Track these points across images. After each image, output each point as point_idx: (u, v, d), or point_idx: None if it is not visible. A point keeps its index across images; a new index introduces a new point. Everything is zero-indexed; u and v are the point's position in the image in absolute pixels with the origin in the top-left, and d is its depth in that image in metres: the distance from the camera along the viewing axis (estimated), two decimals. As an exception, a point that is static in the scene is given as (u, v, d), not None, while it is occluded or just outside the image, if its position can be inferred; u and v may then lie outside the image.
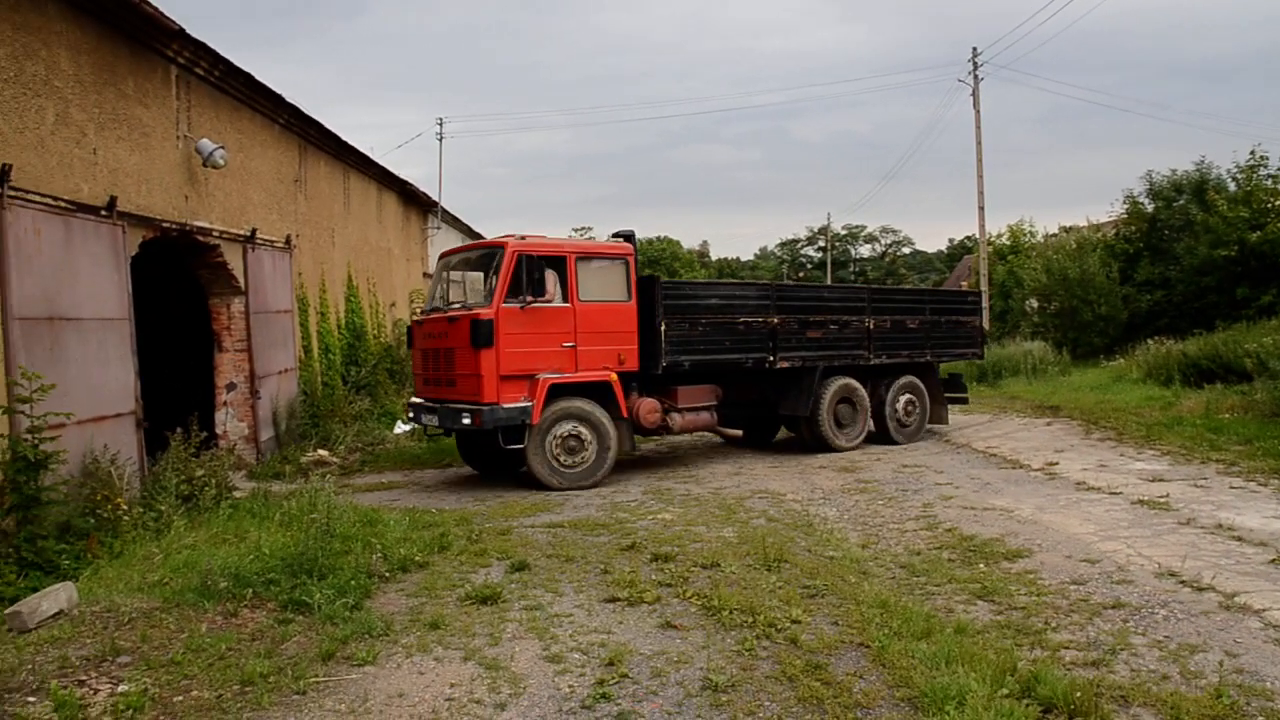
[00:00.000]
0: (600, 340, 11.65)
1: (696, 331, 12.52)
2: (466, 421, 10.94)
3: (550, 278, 11.31)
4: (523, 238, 11.48)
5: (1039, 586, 7.01)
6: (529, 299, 11.03)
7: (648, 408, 12.10)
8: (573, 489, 11.25)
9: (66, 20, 9.16)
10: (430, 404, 11.85)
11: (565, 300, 11.43)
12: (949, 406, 16.37)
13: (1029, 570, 7.47)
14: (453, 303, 11.93)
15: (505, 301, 10.98)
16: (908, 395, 15.09)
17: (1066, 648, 5.69)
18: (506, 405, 10.89)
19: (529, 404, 10.95)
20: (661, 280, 12.31)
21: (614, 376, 11.65)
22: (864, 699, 4.82)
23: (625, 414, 11.75)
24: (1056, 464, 12.55)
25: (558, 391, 11.30)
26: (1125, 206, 29.44)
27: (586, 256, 11.79)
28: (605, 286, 11.83)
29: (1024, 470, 12.28)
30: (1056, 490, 10.82)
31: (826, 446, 14.00)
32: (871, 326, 14.49)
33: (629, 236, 12.36)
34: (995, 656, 5.29)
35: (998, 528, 8.98)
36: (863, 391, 14.40)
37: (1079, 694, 4.69)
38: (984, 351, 16.30)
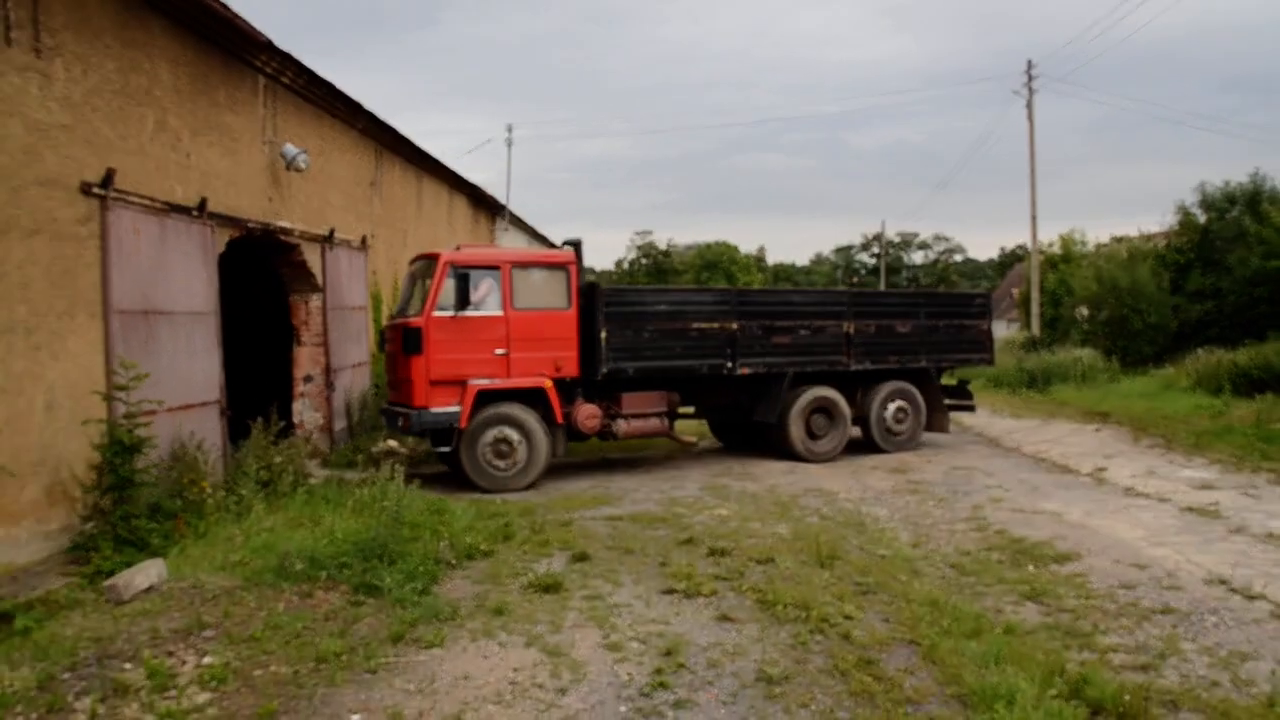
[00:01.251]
0: (535, 347, 11.79)
1: (642, 338, 12.39)
2: (400, 424, 11.47)
3: (484, 287, 11.59)
4: (458, 248, 11.87)
5: (1087, 590, 7.03)
6: (458, 308, 11.35)
7: (585, 414, 12.13)
8: (502, 492, 11.36)
9: (168, 35, 9.68)
10: (389, 406, 12.46)
11: (499, 309, 11.66)
12: (952, 413, 15.51)
13: (1077, 573, 7.49)
14: (408, 310, 12.30)
15: (437, 310, 11.33)
16: (899, 403, 14.40)
17: (1115, 651, 5.73)
18: (435, 410, 11.24)
19: (457, 409, 11.28)
20: (602, 287, 12.35)
21: (548, 383, 11.77)
22: (915, 695, 4.93)
23: (560, 420, 11.89)
24: (1105, 469, 12.43)
25: (490, 397, 11.54)
26: (1177, 217, 28.79)
27: (523, 266, 11.93)
28: (543, 295, 11.94)
29: (1073, 475, 12.21)
30: (1105, 495, 10.75)
31: (796, 455, 13.52)
32: (852, 331, 13.78)
33: (576, 245, 12.50)
34: (1044, 657, 5.37)
35: (1047, 531, 8.98)
36: (840, 399, 13.75)
37: (1128, 697, 4.74)
38: (993, 356, 15.19)
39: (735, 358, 12.96)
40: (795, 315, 13.56)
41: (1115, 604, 6.67)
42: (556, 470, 12.65)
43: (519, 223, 30.08)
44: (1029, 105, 32.95)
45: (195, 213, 10.18)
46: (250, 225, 11.51)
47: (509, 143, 36.53)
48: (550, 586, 6.87)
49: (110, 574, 6.90)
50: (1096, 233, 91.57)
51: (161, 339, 9.53)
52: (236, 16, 10.23)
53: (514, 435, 11.56)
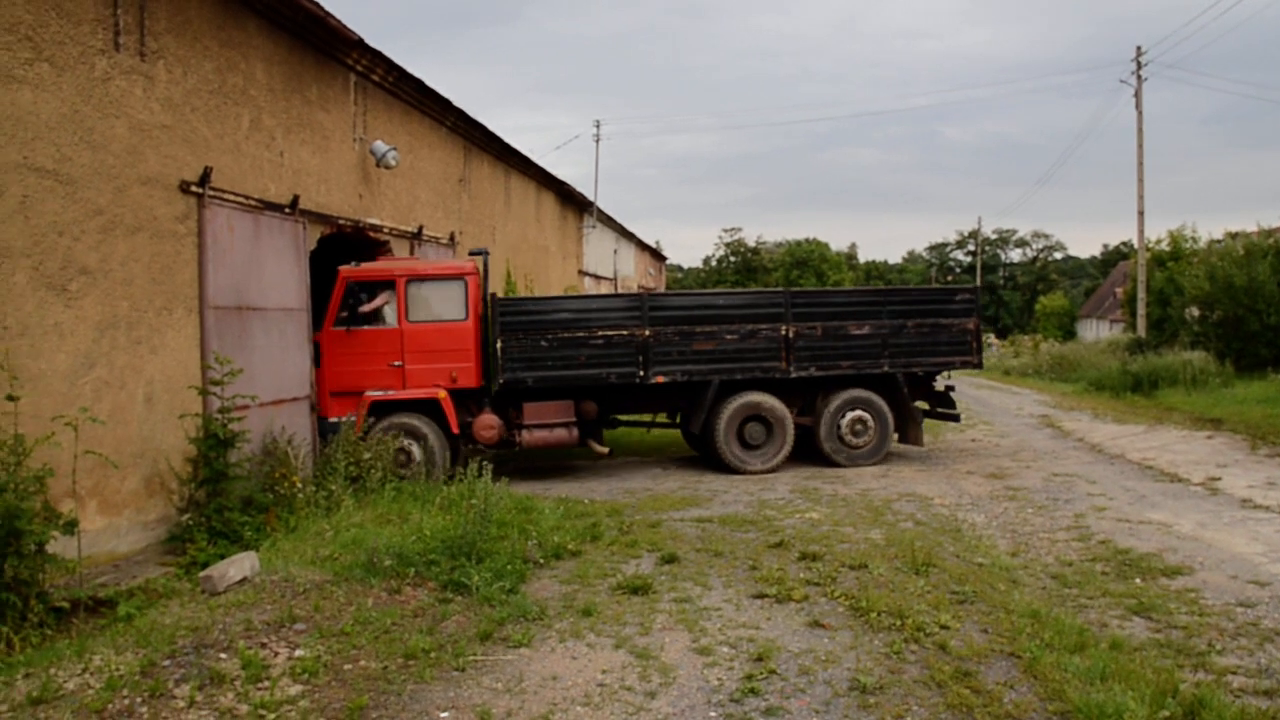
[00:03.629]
0: (431, 359, 11.80)
1: (542, 348, 12.11)
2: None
3: (381, 300, 11.65)
4: (357, 264, 11.84)
5: (1201, 606, 6.66)
6: (351, 322, 11.51)
7: (483, 424, 11.96)
8: None
9: (264, 35, 9.87)
10: None
11: (395, 321, 11.72)
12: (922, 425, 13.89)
13: (1189, 588, 7.10)
14: None
15: (335, 324, 11.53)
16: (856, 412, 13.05)
17: (1234, 673, 5.39)
18: (333, 419, 11.43)
19: (352, 419, 11.32)
20: (498, 298, 12.10)
21: (443, 394, 11.71)
22: (1015, 710, 4.69)
23: (455, 430, 11.77)
24: (1219, 479, 11.76)
25: (387, 408, 11.65)
26: (1301, 210, 27.35)
27: (419, 279, 11.88)
28: (440, 307, 11.89)
29: (1183, 484, 11.59)
30: (1219, 506, 10.17)
31: (728, 468, 12.68)
32: (791, 335, 12.73)
33: (483, 255, 12.31)
34: (1154, 676, 5.06)
35: (1155, 542, 8.56)
36: (780, 408, 12.78)
37: (1250, 724, 4.43)
38: (981, 359, 13.54)
39: (648, 366, 12.37)
40: (720, 319, 12.70)
41: (1233, 622, 6.30)
42: (644, 471, 12.55)
43: (607, 219, 30.16)
44: (1137, 94, 31.69)
45: (288, 210, 10.34)
46: (341, 222, 11.68)
47: (596, 139, 36.75)
48: (639, 588, 6.75)
49: (205, 565, 7.03)
50: (1209, 228, 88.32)
51: (254, 335, 9.70)
52: (329, 15, 10.38)
53: (411, 445, 11.64)
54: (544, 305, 12.72)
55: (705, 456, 13.67)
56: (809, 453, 13.12)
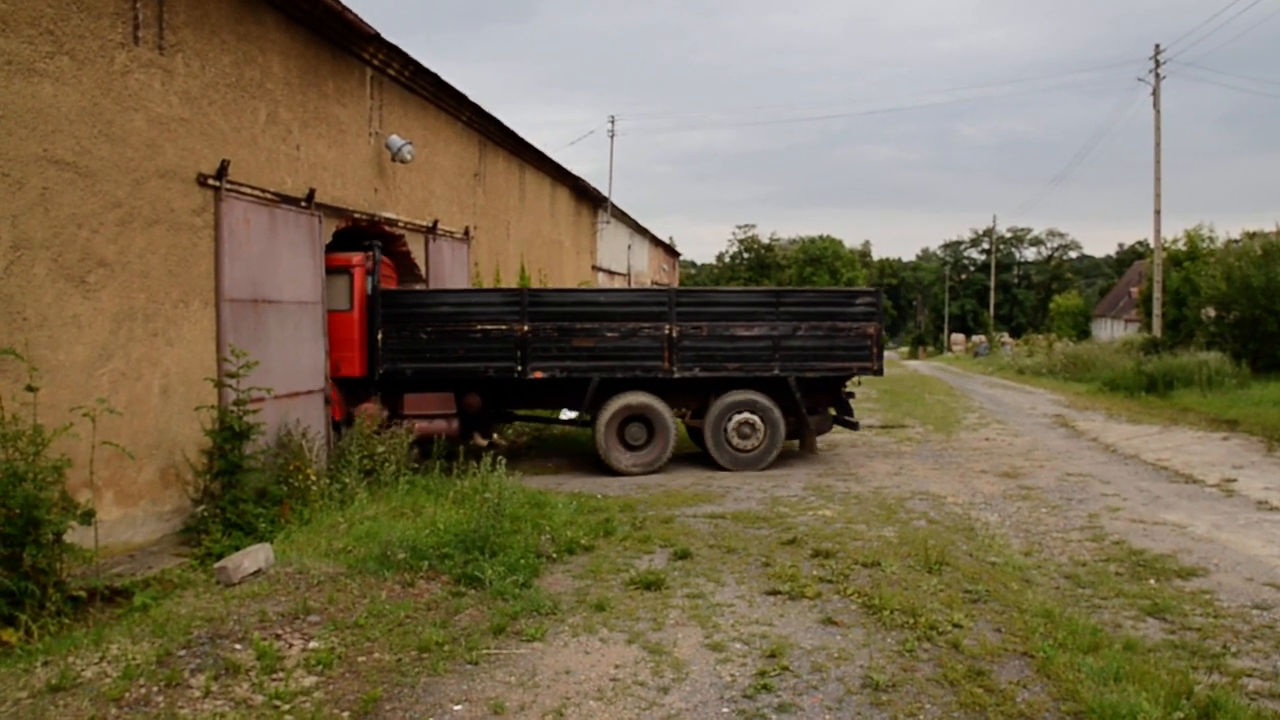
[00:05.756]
0: None
1: (420, 340, 12.11)
2: None
3: None
4: None
5: (1216, 608, 6.63)
6: None
7: (363, 413, 11.80)
8: None
9: (280, 29, 9.90)
10: None
11: None
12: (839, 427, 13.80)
13: (1204, 590, 7.07)
14: None
15: None
16: (744, 415, 12.65)
17: (1249, 675, 5.36)
18: None
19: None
20: (383, 290, 12.07)
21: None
22: (1028, 710, 4.68)
23: (339, 418, 11.70)
24: (1234, 481, 11.69)
25: None
26: (1321, 210, 27.17)
27: None
28: (330, 297, 11.67)
29: (1197, 485, 11.53)
30: (1234, 508, 10.12)
31: (609, 469, 12.42)
32: (675, 334, 12.40)
33: (372, 249, 12.20)
34: (1169, 677, 5.04)
35: (1169, 543, 8.52)
36: (661, 409, 12.48)
37: (1267, 727, 4.41)
38: (881, 365, 12.88)
39: (526, 361, 12.29)
40: (601, 317, 12.46)
41: (1248, 625, 6.26)
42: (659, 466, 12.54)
43: (621, 215, 30.15)
44: (1155, 92, 31.47)
45: (303, 203, 10.38)
46: (356, 216, 11.71)
47: (611, 135, 36.76)
48: (652, 584, 6.75)
49: (219, 556, 7.06)
50: (1226, 228, 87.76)
51: (269, 328, 9.74)
52: (345, 9, 10.40)
53: None
54: (425, 298, 12.67)
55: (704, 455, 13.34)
56: (804, 457, 13.10)
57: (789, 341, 12.58)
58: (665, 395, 12.61)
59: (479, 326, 12.24)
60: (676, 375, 12.46)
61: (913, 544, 7.91)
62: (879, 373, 12.86)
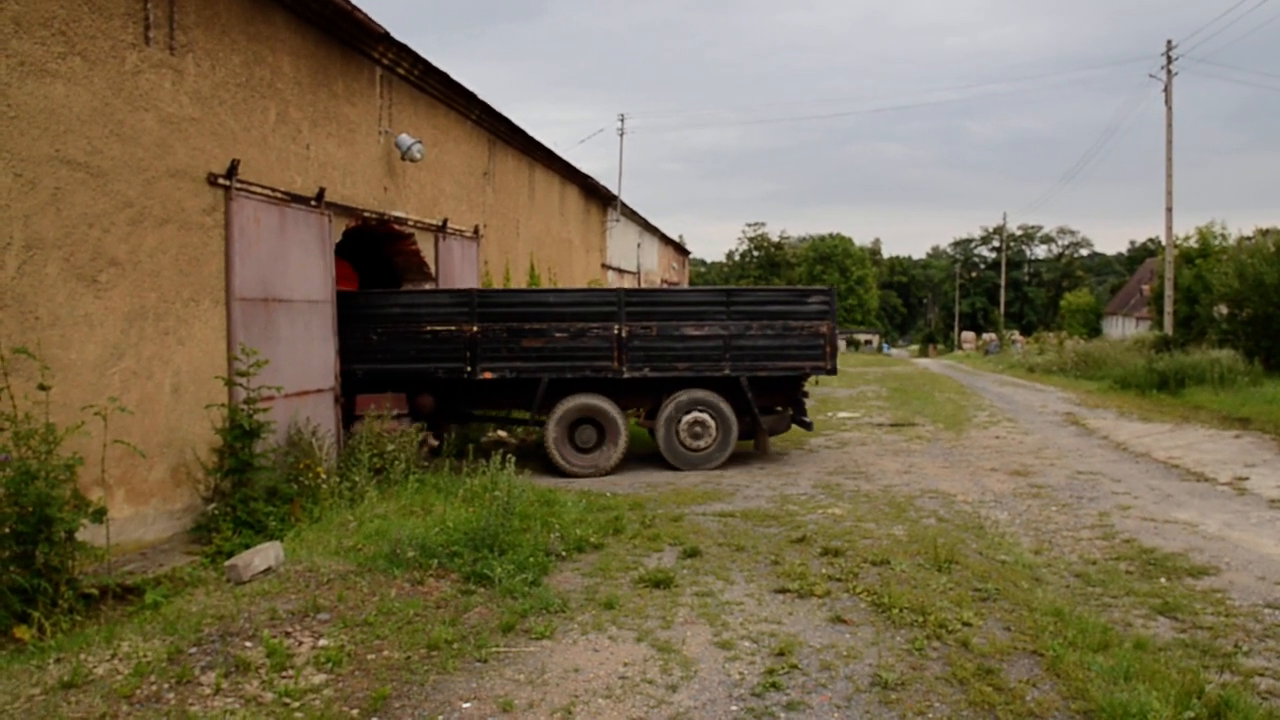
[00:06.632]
0: None
1: (371, 341, 12.07)
2: None
3: None
4: None
5: (1227, 607, 6.60)
6: None
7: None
8: None
9: (290, 29, 9.92)
10: None
11: None
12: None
13: (1216, 589, 7.04)
14: None
15: None
16: (695, 414, 12.57)
17: (1261, 675, 5.33)
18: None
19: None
20: (337, 292, 11.85)
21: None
22: (1037, 708, 4.67)
23: None
24: (1246, 479, 11.62)
25: None
26: (1334, 208, 27.02)
27: None
28: None
29: (1209, 484, 11.47)
30: (1246, 507, 10.06)
31: (559, 471, 12.24)
32: (624, 334, 12.33)
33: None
34: (1179, 676, 5.03)
35: (1180, 542, 8.49)
36: (612, 410, 12.41)
37: (1279, 727, 4.38)
38: (834, 364, 12.71)
39: (476, 361, 12.26)
40: (550, 317, 12.39)
41: (1260, 624, 6.23)
42: (665, 465, 12.53)
43: (630, 214, 30.14)
44: (1167, 89, 31.28)
45: (313, 202, 10.41)
46: (366, 215, 11.74)
47: (620, 133, 36.69)
48: (661, 582, 6.76)
49: (230, 554, 7.09)
50: (1239, 225, 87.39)
51: (280, 326, 9.77)
52: (355, 8, 10.43)
53: None
54: (376, 299, 12.58)
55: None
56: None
57: (740, 341, 12.51)
58: (617, 396, 12.59)
59: (429, 327, 12.25)
60: (626, 375, 12.42)
61: (922, 542, 7.89)
62: (832, 372, 12.75)
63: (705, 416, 12.63)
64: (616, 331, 12.38)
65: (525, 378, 12.36)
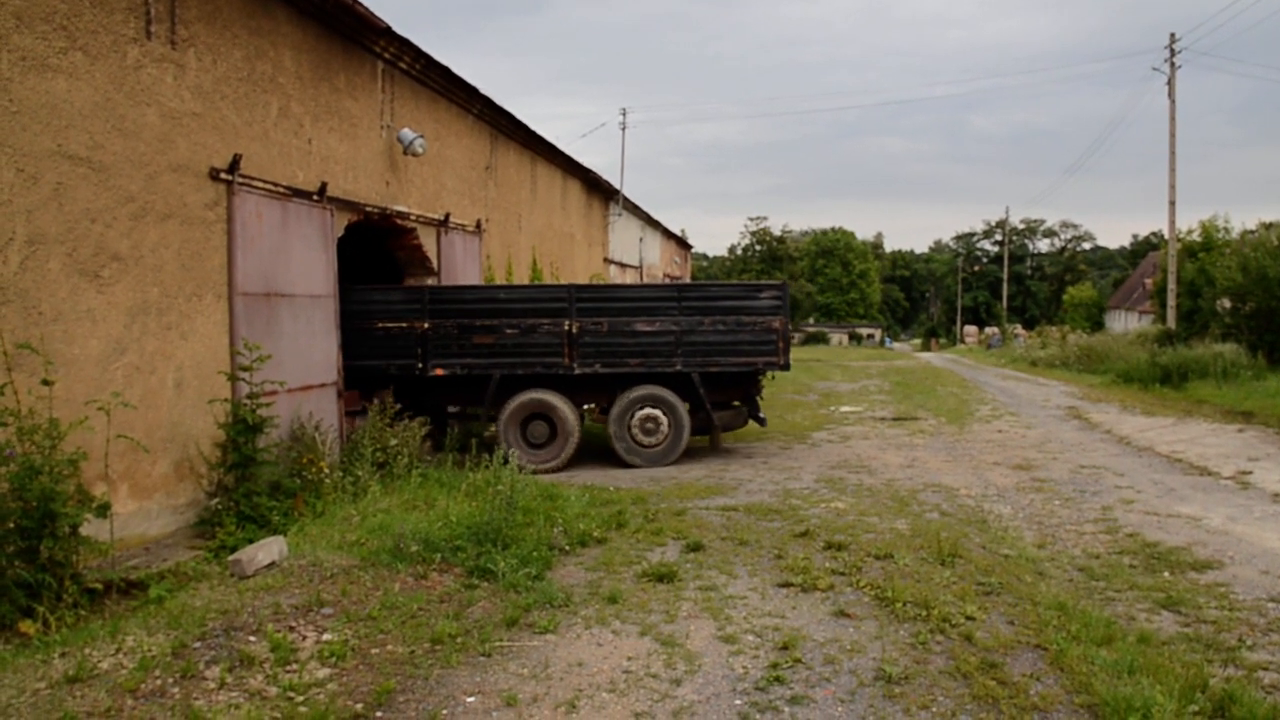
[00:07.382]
0: None
1: None
2: None
3: None
4: None
5: (1231, 600, 6.60)
6: None
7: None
8: None
9: (292, 23, 9.91)
10: None
11: None
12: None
13: (1219, 583, 7.03)
14: None
15: None
16: (647, 410, 12.53)
17: (1265, 669, 5.33)
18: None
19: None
20: None
21: None
22: (1041, 702, 4.67)
23: None
24: (1250, 473, 11.61)
25: None
26: (1337, 201, 26.99)
27: None
28: None
29: (1212, 478, 11.46)
30: (1250, 500, 10.06)
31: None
32: (575, 330, 12.32)
33: None
34: (1183, 670, 5.02)
35: (1184, 536, 8.49)
36: (563, 406, 12.40)
37: (1282, 720, 4.37)
38: (787, 360, 12.67)
39: (427, 358, 12.31)
40: (501, 313, 12.40)
41: (1264, 618, 6.22)
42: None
43: (633, 208, 30.11)
44: (1170, 82, 31.23)
45: (315, 197, 10.40)
46: (368, 209, 11.73)
47: (623, 127, 36.62)
48: (664, 576, 6.76)
49: (233, 549, 7.11)
50: (1242, 219, 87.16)
51: (282, 321, 9.77)
52: (356, 3, 10.41)
53: None
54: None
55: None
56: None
57: (692, 337, 12.49)
58: (570, 392, 12.60)
59: (380, 325, 12.29)
60: (577, 371, 12.42)
61: (925, 536, 7.90)
62: (785, 367, 12.73)
63: (657, 413, 12.60)
64: (567, 327, 12.39)
65: (477, 374, 12.41)
